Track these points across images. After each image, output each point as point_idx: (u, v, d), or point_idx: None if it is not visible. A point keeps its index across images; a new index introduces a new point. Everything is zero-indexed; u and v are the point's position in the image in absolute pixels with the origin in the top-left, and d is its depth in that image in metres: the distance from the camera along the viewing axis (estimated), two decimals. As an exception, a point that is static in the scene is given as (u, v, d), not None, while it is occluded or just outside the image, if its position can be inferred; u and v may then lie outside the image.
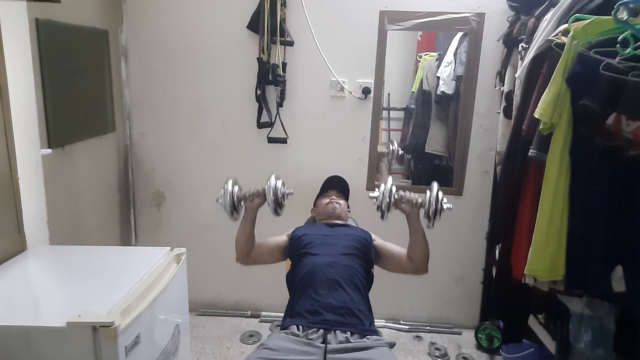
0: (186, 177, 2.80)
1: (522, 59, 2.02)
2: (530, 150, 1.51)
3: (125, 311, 1.26)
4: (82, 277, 1.52)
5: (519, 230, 1.66)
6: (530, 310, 1.87)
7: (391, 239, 2.08)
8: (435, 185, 1.89)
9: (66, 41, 2.10)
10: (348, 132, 2.66)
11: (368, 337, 1.67)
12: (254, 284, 2.91)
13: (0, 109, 1.54)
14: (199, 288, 2.88)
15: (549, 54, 1.55)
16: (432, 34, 3.40)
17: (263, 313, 2.91)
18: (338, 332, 1.66)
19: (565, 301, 1.57)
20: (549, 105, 1.40)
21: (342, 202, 2.16)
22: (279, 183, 1.95)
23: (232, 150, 2.73)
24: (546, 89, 1.43)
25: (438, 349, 2.63)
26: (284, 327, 1.77)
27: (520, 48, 2.08)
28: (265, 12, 2.44)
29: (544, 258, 1.47)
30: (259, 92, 2.56)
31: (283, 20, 2.49)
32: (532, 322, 1.96)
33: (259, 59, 2.52)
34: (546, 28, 1.66)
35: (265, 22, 2.45)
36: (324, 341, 1.64)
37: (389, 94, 3.66)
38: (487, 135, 2.60)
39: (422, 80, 3.23)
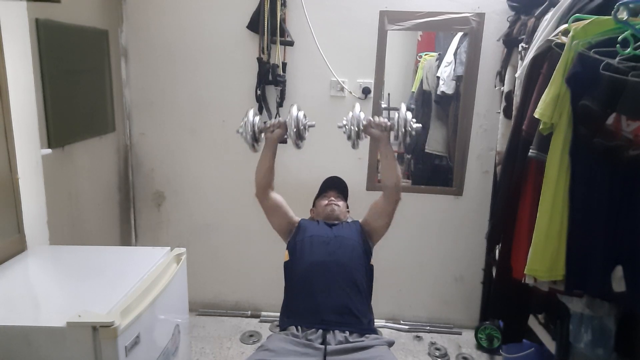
0: (186, 177, 2.80)
1: (522, 59, 2.02)
2: (530, 151, 1.51)
3: (125, 311, 1.26)
4: (82, 277, 1.52)
5: (519, 230, 1.66)
6: (530, 310, 1.86)
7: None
8: (403, 106, 1.89)
9: (66, 41, 2.10)
10: (348, 132, 2.66)
11: (367, 336, 1.68)
12: (254, 284, 2.92)
13: (0, 109, 1.54)
14: (199, 288, 2.88)
15: (549, 54, 1.55)
16: (432, 34, 3.40)
17: (263, 313, 2.91)
18: (337, 331, 1.66)
19: (565, 301, 1.57)
20: (549, 105, 1.40)
21: (341, 203, 2.15)
22: (301, 114, 1.94)
23: (232, 150, 2.72)
24: (546, 89, 1.43)
25: (438, 349, 2.63)
26: (282, 327, 1.77)
27: (520, 48, 2.08)
28: (265, 12, 2.44)
29: (544, 258, 1.47)
30: (259, 92, 2.56)
31: (283, 20, 2.49)
32: (532, 322, 1.95)
33: (259, 59, 2.52)
34: (546, 28, 1.66)
35: (265, 22, 2.45)
36: (323, 341, 1.64)
37: (389, 94, 3.65)
38: (487, 135, 2.60)
39: (422, 80, 3.23)
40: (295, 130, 1.91)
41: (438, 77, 2.96)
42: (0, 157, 1.56)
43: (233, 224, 2.84)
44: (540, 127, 1.45)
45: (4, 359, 1.21)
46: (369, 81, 2.59)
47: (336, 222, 2.06)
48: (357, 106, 1.91)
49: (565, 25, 1.45)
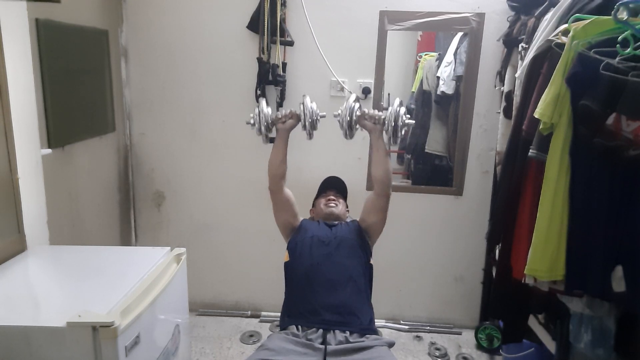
0: (186, 177, 2.80)
1: (522, 59, 2.02)
2: (530, 150, 1.51)
3: (125, 311, 1.26)
4: (82, 277, 1.52)
5: (519, 230, 1.66)
6: (530, 310, 1.86)
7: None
8: (397, 100, 1.88)
9: (66, 41, 2.10)
10: (348, 132, 2.66)
11: (367, 336, 1.68)
12: (254, 284, 2.92)
13: (0, 109, 1.54)
14: (199, 288, 2.88)
15: (549, 54, 1.55)
16: (432, 34, 3.40)
17: (263, 313, 2.91)
18: (337, 331, 1.66)
19: (565, 301, 1.57)
20: (549, 105, 1.40)
21: (340, 203, 2.15)
22: (314, 105, 1.96)
23: (232, 150, 2.73)
24: (546, 89, 1.43)
25: (438, 349, 2.63)
26: (283, 327, 1.77)
27: (520, 48, 2.08)
28: (265, 12, 2.44)
29: (544, 258, 1.47)
30: (259, 92, 2.56)
31: (283, 20, 2.49)
32: (532, 322, 1.95)
33: (259, 59, 2.52)
34: (546, 28, 1.66)
35: (265, 22, 2.45)
36: (324, 341, 1.64)
37: (389, 94, 3.65)
38: (487, 135, 2.60)
39: (422, 80, 3.23)
40: (310, 120, 1.94)
41: (438, 77, 2.95)
42: (0, 157, 1.56)
43: (233, 224, 2.84)
44: (540, 127, 1.45)
45: (4, 359, 1.21)
46: (369, 81, 2.59)
47: (336, 222, 2.06)
48: (353, 96, 1.91)
49: (565, 25, 1.45)
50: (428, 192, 2.75)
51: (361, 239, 1.93)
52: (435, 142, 3.12)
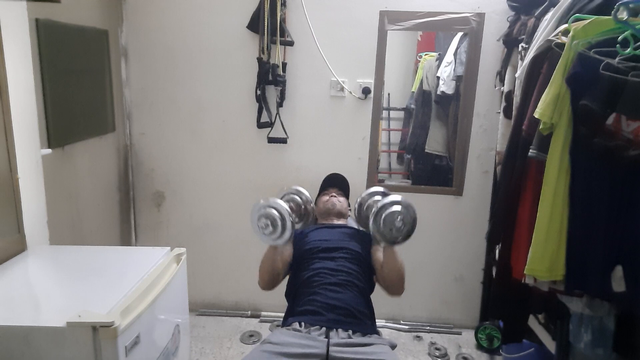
0: (186, 177, 2.80)
1: (522, 59, 2.02)
2: (530, 150, 1.51)
3: (125, 311, 1.26)
4: (82, 277, 1.52)
5: (519, 230, 1.67)
6: (530, 310, 1.87)
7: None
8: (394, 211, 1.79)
9: (66, 41, 2.10)
10: (348, 132, 2.66)
11: (369, 335, 1.68)
12: (254, 284, 2.89)
13: (0, 109, 1.55)
14: (199, 288, 2.88)
15: (549, 54, 1.55)
16: (432, 34, 3.40)
17: (263, 313, 2.91)
18: (340, 330, 1.67)
19: (565, 301, 1.57)
20: (549, 105, 1.40)
21: (342, 199, 2.16)
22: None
23: (232, 150, 2.73)
24: (546, 89, 1.44)
25: (438, 349, 2.63)
26: (285, 325, 1.78)
27: (520, 48, 2.08)
28: (265, 12, 2.44)
29: (544, 258, 1.47)
30: (259, 92, 2.56)
31: (283, 20, 2.49)
32: (532, 322, 1.96)
33: (259, 59, 2.52)
34: (546, 28, 1.66)
35: (265, 22, 2.45)
36: (327, 337, 1.65)
37: (389, 94, 3.66)
38: (487, 135, 2.60)
39: (422, 80, 3.23)
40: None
41: (438, 77, 2.96)
42: (0, 157, 1.56)
43: (233, 224, 2.84)
44: (540, 127, 1.45)
45: (4, 359, 1.21)
46: (369, 81, 2.59)
47: (338, 222, 2.06)
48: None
49: (565, 25, 1.45)
50: (428, 192, 2.75)
51: (367, 253, 1.91)
52: (435, 142, 3.12)
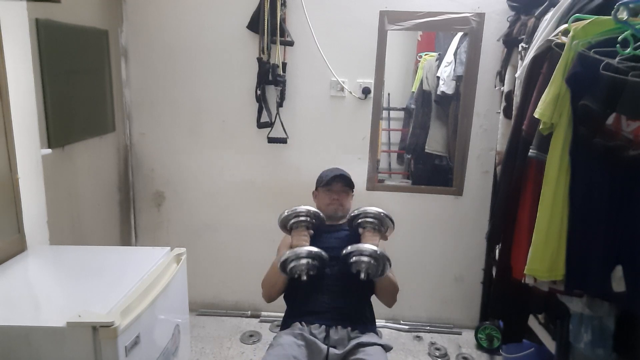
0: (186, 177, 2.80)
1: (522, 59, 2.02)
2: (530, 150, 1.51)
3: (125, 311, 1.26)
4: (82, 277, 1.52)
5: (519, 230, 1.66)
6: (530, 310, 1.86)
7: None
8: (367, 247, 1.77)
9: (66, 41, 2.10)
10: (348, 132, 2.66)
11: (368, 333, 1.71)
12: (254, 284, 2.89)
13: (0, 109, 1.55)
14: (199, 288, 2.88)
15: (549, 54, 1.55)
16: (432, 34, 3.41)
17: (263, 313, 2.91)
18: (339, 327, 1.71)
19: (565, 301, 1.57)
20: (549, 105, 1.40)
21: (344, 201, 2.05)
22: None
23: (232, 150, 2.73)
24: (546, 89, 1.43)
25: (438, 349, 2.63)
26: (285, 326, 1.79)
27: (520, 48, 2.07)
28: (265, 12, 2.44)
29: (544, 258, 1.47)
30: (259, 92, 2.56)
31: (283, 20, 2.49)
32: (532, 322, 1.95)
33: (259, 59, 2.52)
34: (546, 28, 1.66)
35: (265, 22, 2.45)
36: (326, 333, 1.68)
37: (389, 94, 3.66)
38: (487, 135, 2.60)
39: (422, 80, 3.23)
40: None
41: (438, 77, 2.96)
42: (0, 157, 1.56)
43: (233, 224, 2.84)
44: (540, 127, 1.45)
45: (4, 359, 1.21)
46: (369, 81, 2.59)
47: (340, 223, 2.05)
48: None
49: (565, 25, 1.45)
50: (428, 192, 2.75)
51: None
52: (435, 142, 3.12)
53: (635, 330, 1.49)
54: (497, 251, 1.91)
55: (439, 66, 2.99)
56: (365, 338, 1.70)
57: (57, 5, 1.88)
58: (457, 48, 2.75)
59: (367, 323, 1.81)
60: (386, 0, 2.48)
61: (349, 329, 1.71)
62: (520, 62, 2.06)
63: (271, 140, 2.65)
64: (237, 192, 2.78)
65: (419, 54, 3.46)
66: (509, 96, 2.18)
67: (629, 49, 1.26)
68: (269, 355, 1.63)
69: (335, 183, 2.05)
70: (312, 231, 1.91)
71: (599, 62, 1.27)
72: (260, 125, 2.61)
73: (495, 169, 2.53)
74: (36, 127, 1.78)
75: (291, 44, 2.53)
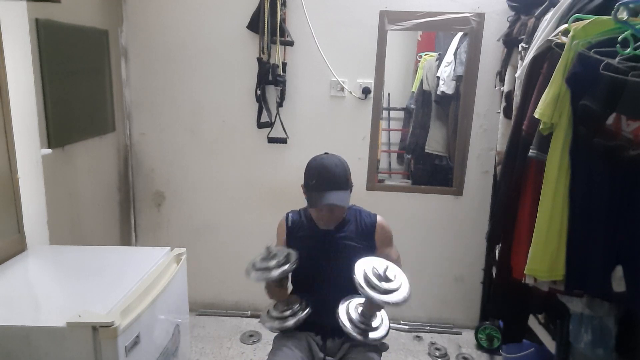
0: (186, 177, 2.80)
1: (522, 59, 2.02)
2: (530, 150, 1.51)
3: (125, 311, 1.26)
4: (82, 277, 1.52)
5: (519, 230, 1.66)
6: (530, 310, 1.86)
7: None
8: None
9: (66, 41, 2.10)
10: (348, 132, 2.66)
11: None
12: (254, 284, 2.89)
13: (0, 109, 1.55)
14: (199, 288, 2.88)
15: (549, 54, 1.55)
16: (432, 34, 3.41)
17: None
18: (336, 337, 1.70)
19: (565, 301, 1.57)
20: (549, 105, 1.40)
21: (339, 215, 1.72)
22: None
23: (232, 150, 2.73)
24: (546, 89, 1.43)
25: (438, 349, 2.63)
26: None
27: (520, 48, 2.07)
28: (265, 12, 2.44)
29: (544, 258, 1.47)
30: (259, 92, 2.56)
31: (283, 20, 2.49)
32: (532, 322, 1.95)
33: (259, 59, 2.52)
34: (546, 28, 1.66)
35: (265, 22, 2.45)
36: (324, 344, 1.68)
37: (389, 94, 3.66)
38: (487, 135, 2.60)
39: (422, 80, 3.23)
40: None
41: (438, 77, 2.96)
42: (0, 157, 1.56)
43: (233, 224, 2.84)
44: (540, 127, 1.45)
45: (4, 359, 1.21)
46: (369, 81, 2.59)
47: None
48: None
49: (565, 25, 1.45)
50: (428, 192, 2.75)
51: (369, 245, 1.73)
52: (435, 142, 3.12)
53: (636, 330, 1.49)
54: (497, 251, 1.91)
55: (439, 66, 2.99)
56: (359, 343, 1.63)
57: (57, 5, 1.88)
58: (457, 48, 2.75)
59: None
60: (386, 0, 2.48)
61: (345, 337, 1.65)
62: (520, 62, 2.06)
63: (271, 140, 2.65)
64: (237, 192, 2.78)
65: (419, 54, 3.46)
66: (509, 96, 2.18)
67: (629, 49, 1.26)
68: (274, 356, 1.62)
69: (328, 192, 1.67)
70: (289, 285, 1.75)
71: (599, 62, 1.27)
72: (260, 125, 2.61)
73: (495, 169, 2.53)
74: (36, 127, 1.78)
75: (291, 44, 2.53)
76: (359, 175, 2.69)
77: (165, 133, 2.74)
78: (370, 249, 1.73)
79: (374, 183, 2.72)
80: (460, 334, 2.80)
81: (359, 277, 1.47)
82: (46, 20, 1.92)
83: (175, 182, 2.81)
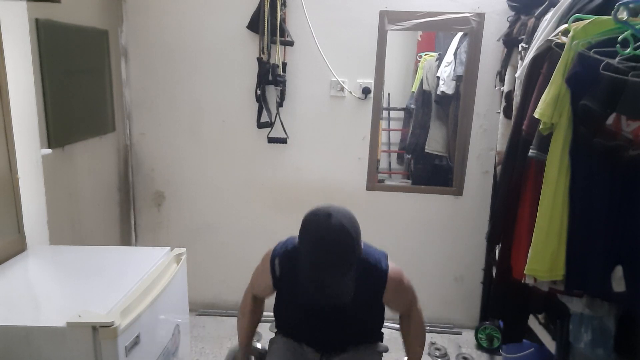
0: (186, 177, 2.80)
1: (522, 59, 2.02)
2: (530, 150, 1.51)
3: (125, 311, 1.26)
4: (82, 277, 1.52)
5: (519, 230, 1.66)
6: (530, 310, 1.86)
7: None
8: None
9: (66, 41, 2.10)
10: (348, 132, 2.66)
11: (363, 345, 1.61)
12: (254, 284, 2.91)
13: (0, 109, 1.55)
14: (199, 288, 2.87)
15: (549, 54, 1.55)
16: (432, 34, 3.41)
17: (263, 313, 2.91)
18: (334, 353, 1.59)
19: (565, 301, 1.57)
20: (549, 105, 1.40)
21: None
22: None
23: (232, 150, 2.73)
24: (546, 89, 1.43)
25: (438, 349, 2.63)
26: (278, 329, 1.73)
27: (520, 48, 2.07)
28: (265, 12, 2.44)
29: (544, 258, 1.47)
30: (259, 92, 2.56)
31: (283, 20, 2.49)
32: (532, 322, 1.95)
33: (259, 59, 2.52)
34: (546, 28, 1.66)
35: (265, 22, 2.45)
36: (321, 358, 1.60)
37: (389, 94, 3.67)
38: (487, 135, 2.60)
39: (422, 80, 3.24)
40: None
41: (438, 77, 2.96)
42: (0, 157, 1.56)
43: (233, 224, 2.84)
44: (540, 127, 1.45)
45: (4, 359, 1.21)
46: (369, 81, 2.59)
47: None
48: None
49: (565, 25, 1.45)
50: (428, 192, 2.75)
51: (378, 304, 1.53)
52: (435, 142, 3.12)
53: (635, 330, 1.49)
54: (497, 251, 1.91)
55: (439, 66, 2.99)
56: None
57: (57, 5, 1.88)
58: (457, 48, 2.75)
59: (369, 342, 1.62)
60: (386, 0, 2.48)
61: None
62: (520, 62, 2.06)
63: (271, 140, 2.65)
64: (237, 192, 2.78)
65: (419, 54, 3.47)
66: (509, 96, 2.18)
67: (629, 49, 1.26)
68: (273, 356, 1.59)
69: (322, 275, 1.32)
70: None
71: (599, 62, 1.27)
72: (260, 125, 2.61)
73: (495, 169, 2.53)
74: (36, 127, 1.78)
75: (291, 44, 2.53)
76: (359, 175, 2.69)
77: (165, 133, 2.74)
78: (381, 307, 1.55)
79: (374, 183, 2.72)
80: (460, 334, 2.80)
81: None
82: (46, 20, 1.92)
83: (175, 182, 2.81)
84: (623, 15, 1.26)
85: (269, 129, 2.62)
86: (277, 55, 2.52)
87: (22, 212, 1.64)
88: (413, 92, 3.44)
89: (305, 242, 1.35)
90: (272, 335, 1.75)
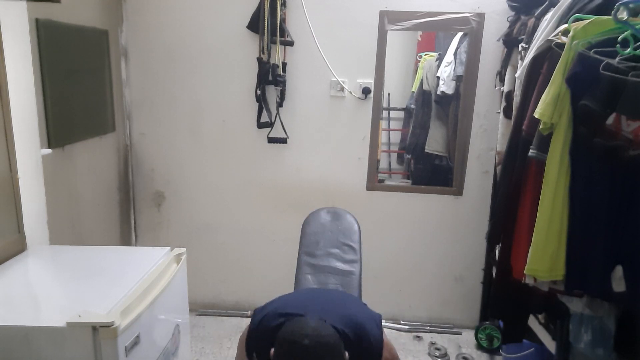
0: (186, 177, 2.80)
1: (522, 59, 2.02)
2: (530, 150, 1.51)
3: (125, 311, 1.26)
4: (82, 277, 1.52)
5: (519, 230, 1.66)
6: (530, 310, 1.86)
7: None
8: None
9: (66, 41, 2.10)
10: (348, 132, 2.66)
11: None
12: (254, 284, 2.91)
13: (0, 109, 1.55)
14: (199, 288, 2.88)
15: (549, 54, 1.55)
16: (432, 34, 3.41)
17: None
18: None
19: (565, 301, 1.57)
20: (549, 105, 1.40)
21: None
22: None
23: (232, 150, 2.73)
24: (546, 89, 1.44)
25: (438, 349, 2.63)
26: None
27: (520, 48, 2.07)
28: (265, 12, 2.44)
29: (544, 258, 1.47)
30: (259, 92, 2.56)
31: (283, 20, 2.49)
32: (532, 322, 1.96)
33: (259, 59, 2.52)
34: (546, 28, 1.66)
35: (265, 22, 2.45)
36: None
37: (389, 94, 3.67)
38: (487, 135, 2.60)
39: (422, 80, 3.23)
40: None
41: (438, 77, 2.96)
42: (0, 157, 1.56)
43: (233, 224, 2.84)
44: (540, 127, 1.45)
45: (4, 359, 1.21)
46: (369, 81, 2.59)
47: None
48: None
49: (565, 25, 1.45)
50: (428, 192, 2.75)
51: None
52: (435, 142, 3.12)
53: (635, 330, 1.49)
54: (497, 251, 1.91)
55: (439, 66, 2.99)
56: None
57: (57, 5, 1.88)
58: (457, 48, 2.75)
59: None
60: (386, 0, 2.48)
61: None
62: (520, 62, 2.06)
63: (271, 140, 2.65)
64: (237, 192, 2.78)
65: (419, 54, 3.46)
66: (509, 96, 2.18)
67: (629, 49, 1.26)
68: None
69: None
70: None
71: (599, 62, 1.27)
72: (260, 125, 2.61)
73: (495, 169, 2.53)
74: (36, 127, 1.78)
75: (291, 44, 2.53)
76: (359, 175, 2.69)
77: (165, 133, 2.74)
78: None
79: (374, 183, 2.72)
80: (460, 334, 2.80)
81: None
82: (46, 20, 1.92)
83: (175, 182, 2.81)
84: (623, 15, 1.26)
85: (269, 129, 2.62)
86: (277, 55, 2.52)
87: (22, 212, 1.64)
88: (413, 92, 3.44)
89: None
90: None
